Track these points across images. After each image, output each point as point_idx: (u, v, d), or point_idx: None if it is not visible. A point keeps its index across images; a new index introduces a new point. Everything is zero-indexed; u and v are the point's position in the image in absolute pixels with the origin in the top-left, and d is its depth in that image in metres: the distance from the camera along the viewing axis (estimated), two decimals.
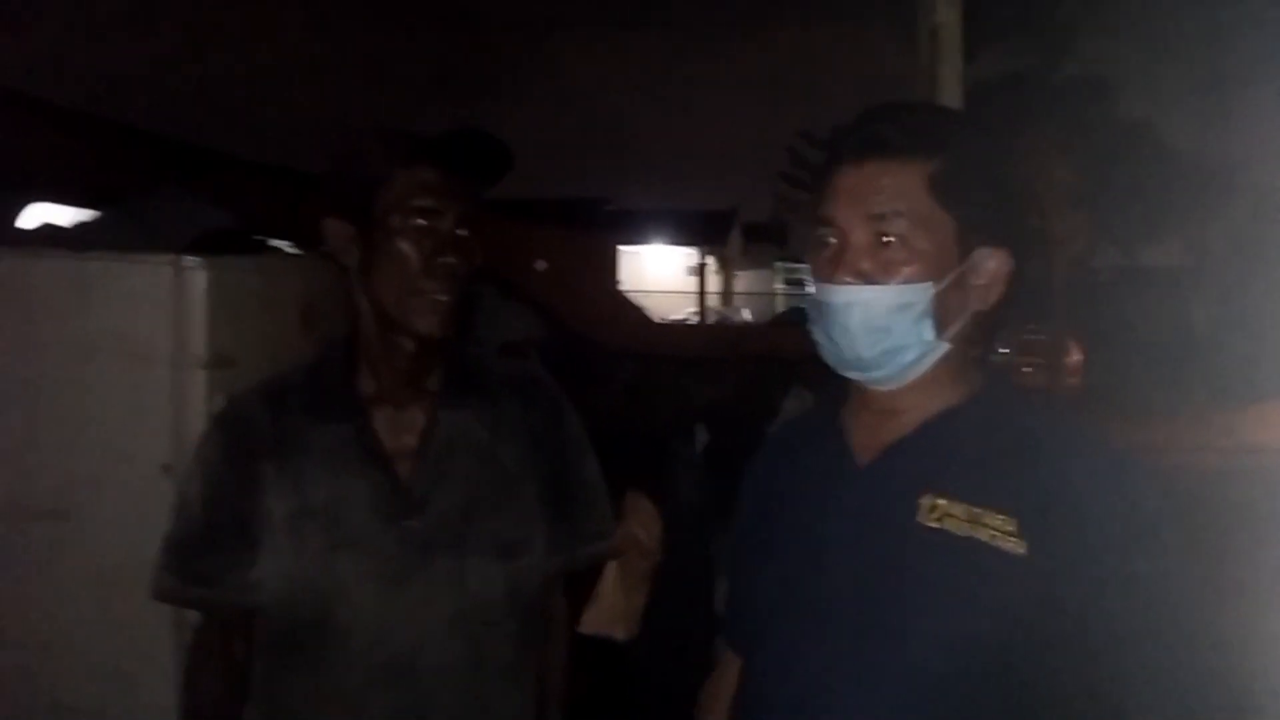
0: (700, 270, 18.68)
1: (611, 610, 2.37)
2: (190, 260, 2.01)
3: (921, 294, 1.02)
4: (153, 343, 1.99)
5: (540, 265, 14.22)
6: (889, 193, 1.02)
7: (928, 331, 1.03)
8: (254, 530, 1.29)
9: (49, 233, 2.30)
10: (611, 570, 2.36)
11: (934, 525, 0.99)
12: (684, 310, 16.44)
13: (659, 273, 17.79)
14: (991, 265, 1.04)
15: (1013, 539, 0.96)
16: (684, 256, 17.15)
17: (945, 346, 1.04)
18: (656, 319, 15.38)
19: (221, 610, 1.33)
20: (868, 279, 1.02)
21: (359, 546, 1.27)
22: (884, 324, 1.03)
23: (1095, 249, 18.32)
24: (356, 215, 1.31)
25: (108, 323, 2.00)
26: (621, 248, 15.66)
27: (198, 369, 2.00)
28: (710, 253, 21.50)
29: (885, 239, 1.02)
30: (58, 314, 2.01)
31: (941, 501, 1.00)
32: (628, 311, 15.12)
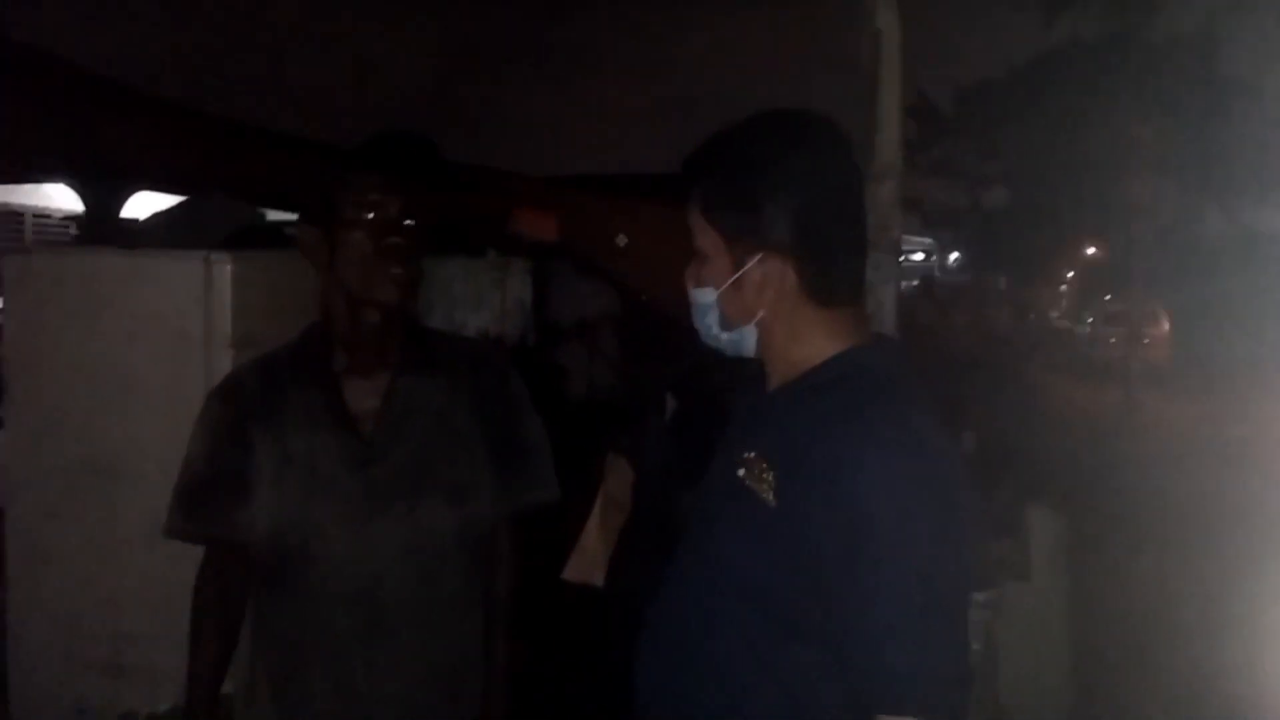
0: None
1: (593, 559, 2.63)
2: (218, 255, 2.35)
3: (708, 297, 1.25)
4: (188, 326, 2.32)
5: (621, 240, 14.42)
6: (687, 215, 1.27)
7: (716, 328, 1.26)
8: (246, 478, 1.56)
9: (85, 225, 2.65)
10: (594, 523, 2.62)
11: (739, 475, 1.21)
12: None
13: None
14: (760, 270, 1.21)
15: (770, 491, 1.15)
16: None
17: (751, 332, 1.24)
18: None
19: (219, 543, 1.61)
20: (692, 282, 1.28)
21: (330, 491, 1.55)
22: (699, 316, 1.28)
23: (1185, 215, 17.57)
24: (321, 220, 1.59)
25: (151, 309, 2.34)
26: None
27: (226, 348, 2.33)
28: None
29: (696, 253, 1.28)
30: (110, 302, 2.36)
31: (751, 455, 1.20)
32: None
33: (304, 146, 11.67)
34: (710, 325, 1.27)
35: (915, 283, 15.02)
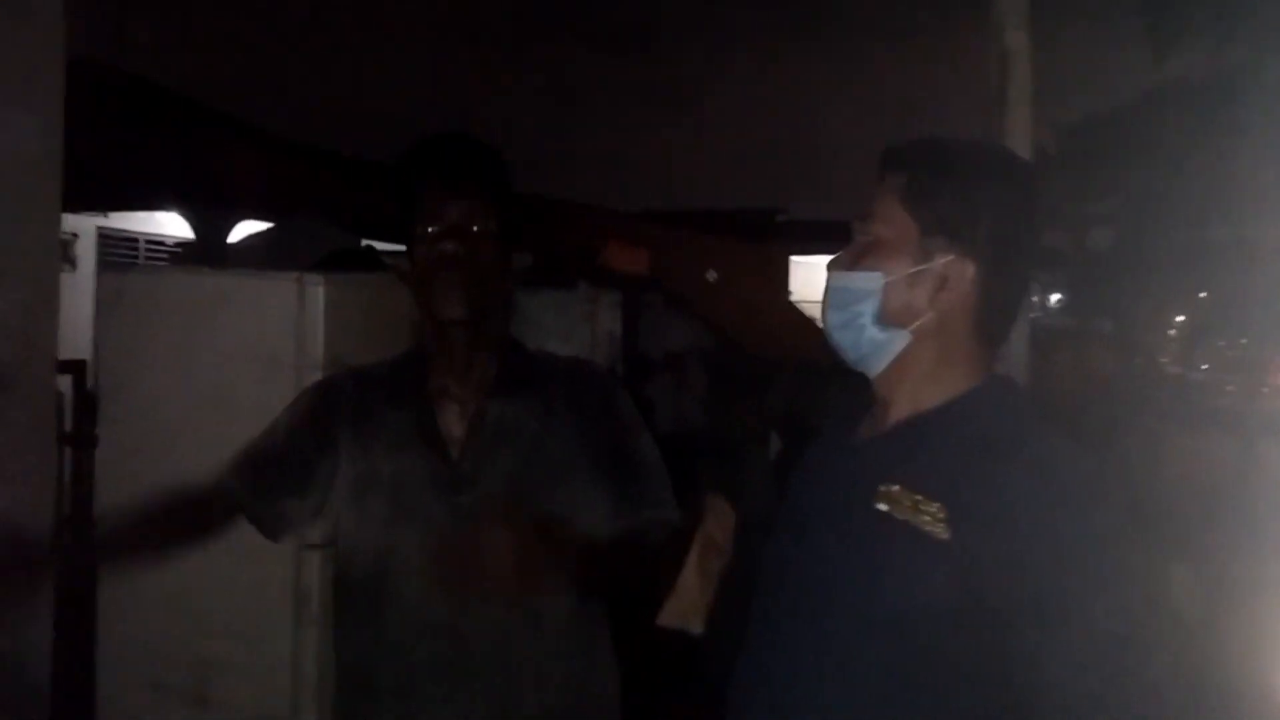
0: None
1: (691, 605, 2.49)
2: (311, 277, 2.30)
3: (872, 282, 1.15)
4: (280, 348, 2.29)
5: (711, 276, 14.37)
6: (875, 199, 1.18)
7: (868, 318, 1.15)
8: (313, 475, 1.52)
9: (194, 251, 2.64)
10: (691, 566, 2.48)
11: (882, 509, 1.09)
12: None
13: None
14: (945, 270, 1.13)
15: (940, 525, 1.05)
16: None
17: (902, 338, 1.15)
18: None
19: (254, 518, 1.54)
20: (844, 266, 1.18)
21: (414, 516, 1.47)
22: (841, 305, 1.17)
23: None
24: (405, 239, 1.51)
25: (243, 330, 2.31)
26: (794, 258, 15.57)
27: (317, 371, 2.29)
28: None
29: (863, 237, 1.17)
30: (203, 323, 2.34)
31: (895, 489, 1.09)
32: (800, 323, 15.05)
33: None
34: (860, 314, 1.16)
35: None
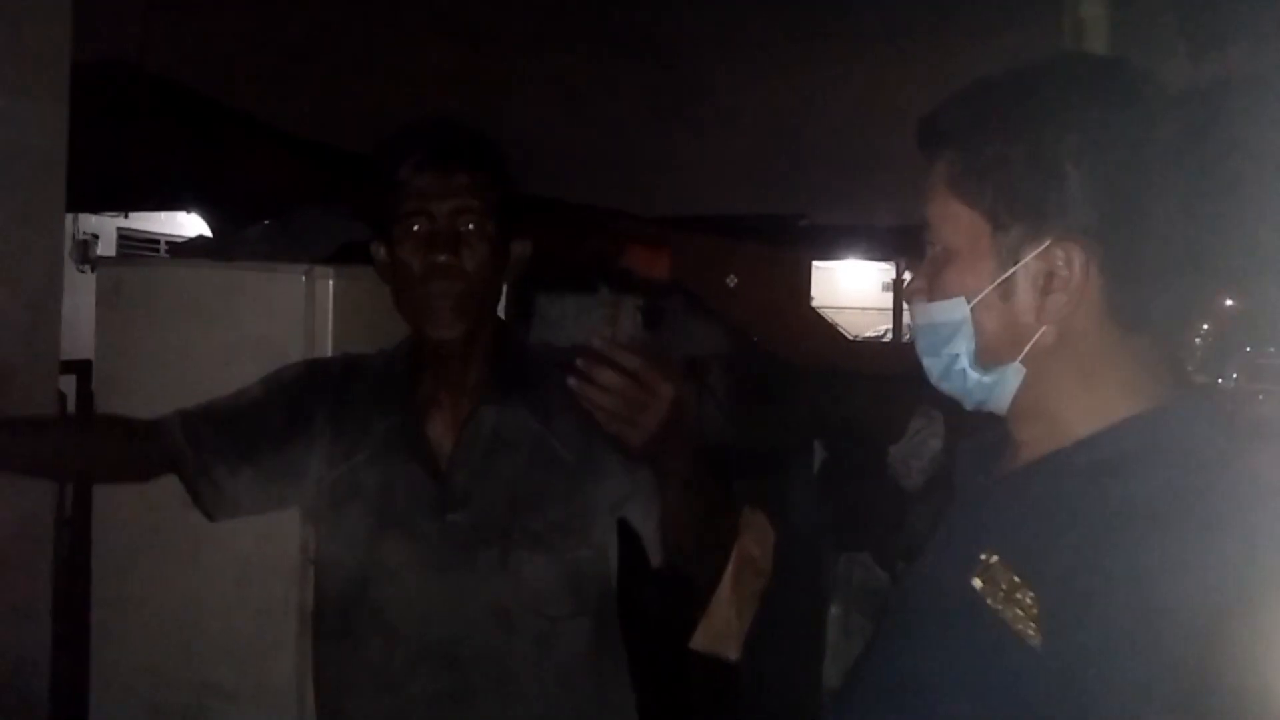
0: (897, 286, 18.12)
1: (726, 628, 2.31)
2: (321, 269, 2.14)
3: (955, 311, 0.87)
4: (287, 344, 2.12)
5: (731, 281, 14.26)
6: (923, 198, 0.91)
7: (965, 361, 0.87)
8: (279, 460, 1.36)
9: (203, 243, 2.50)
10: (726, 587, 2.30)
11: (977, 588, 0.83)
12: (879, 327, 16.00)
13: (854, 289, 17.40)
14: (1045, 263, 0.83)
15: (1032, 625, 0.77)
16: (879, 272, 16.70)
17: (1015, 373, 0.86)
18: (850, 336, 15.04)
19: (188, 482, 1.37)
20: (921, 296, 0.92)
21: (401, 534, 1.31)
22: (933, 350, 0.90)
23: None
24: (384, 234, 1.34)
25: (248, 325, 2.16)
26: (815, 263, 15.41)
27: None
28: (907, 267, 20.78)
29: (930, 249, 0.92)
30: (206, 317, 2.19)
31: (994, 561, 0.83)
32: (821, 329, 14.91)
33: None
34: (955, 358, 0.88)
35: None
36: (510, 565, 1.30)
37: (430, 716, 1.30)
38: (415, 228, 1.29)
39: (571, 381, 1.08)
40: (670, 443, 1.14)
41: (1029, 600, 0.78)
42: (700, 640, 2.63)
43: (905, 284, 0.97)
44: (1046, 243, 0.83)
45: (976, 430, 0.99)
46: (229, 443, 1.37)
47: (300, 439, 1.36)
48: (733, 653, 2.61)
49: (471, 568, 1.30)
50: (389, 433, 1.34)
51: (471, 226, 1.29)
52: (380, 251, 1.36)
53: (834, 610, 2.15)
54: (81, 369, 2.83)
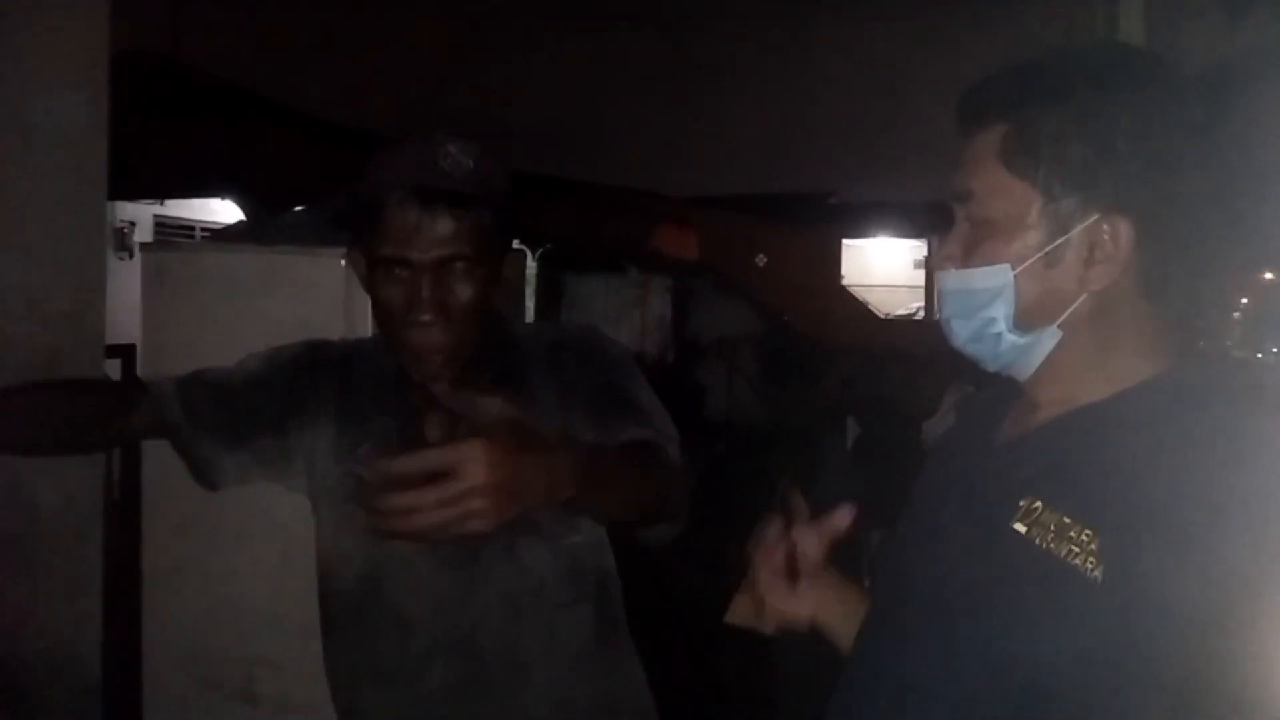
0: (928, 263, 17.96)
1: (761, 601, 2.32)
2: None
3: (997, 277, 0.91)
4: (327, 326, 2.15)
5: (761, 260, 14.20)
6: (965, 169, 0.94)
7: (1004, 324, 0.92)
8: (273, 445, 1.32)
9: (243, 228, 2.54)
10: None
11: (1021, 531, 0.88)
12: (910, 305, 15.88)
13: (885, 267, 17.27)
14: (1091, 237, 0.89)
15: (1091, 558, 0.82)
16: (911, 250, 16.56)
17: (1051, 335, 0.92)
18: (881, 314, 14.95)
19: (180, 449, 1.34)
20: (955, 263, 0.95)
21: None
22: (965, 313, 0.94)
23: None
24: (363, 248, 1.26)
25: (289, 310, 2.20)
26: (846, 241, 15.30)
27: None
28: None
29: (966, 220, 0.95)
30: (248, 302, 2.23)
31: (1038, 506, 0.88)
32: (852, 307, 14.82)
33: None
34: (992, 321, 0.92)
35: None
36: (515, 553, 1.30)
37: (448, 706, 1.30)
38: (396, 271, 1.21)
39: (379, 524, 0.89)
40: (557, 490, 0.95)
41: (1085, 536, 0.83)
42: (735, 614, 2.66)
43: (936, 251, 1.00)
44: (1095, 216, 0.88)
45: (970, 396, 1.04)
46: (226, 421, 1.33)
47: (296, 427, 1.34)
48: (768, 626, 2.64)
49: (480, 558, 1.29)
50: (387, 427, 1.31)
51: (460, 267, 1.22)
52: (360, 265, 1.29)
53: (867, 584, 2.16)
54: (126, 353, 2.90)
